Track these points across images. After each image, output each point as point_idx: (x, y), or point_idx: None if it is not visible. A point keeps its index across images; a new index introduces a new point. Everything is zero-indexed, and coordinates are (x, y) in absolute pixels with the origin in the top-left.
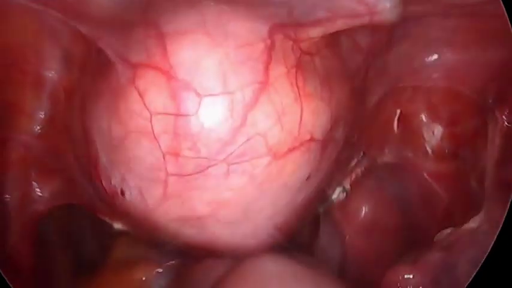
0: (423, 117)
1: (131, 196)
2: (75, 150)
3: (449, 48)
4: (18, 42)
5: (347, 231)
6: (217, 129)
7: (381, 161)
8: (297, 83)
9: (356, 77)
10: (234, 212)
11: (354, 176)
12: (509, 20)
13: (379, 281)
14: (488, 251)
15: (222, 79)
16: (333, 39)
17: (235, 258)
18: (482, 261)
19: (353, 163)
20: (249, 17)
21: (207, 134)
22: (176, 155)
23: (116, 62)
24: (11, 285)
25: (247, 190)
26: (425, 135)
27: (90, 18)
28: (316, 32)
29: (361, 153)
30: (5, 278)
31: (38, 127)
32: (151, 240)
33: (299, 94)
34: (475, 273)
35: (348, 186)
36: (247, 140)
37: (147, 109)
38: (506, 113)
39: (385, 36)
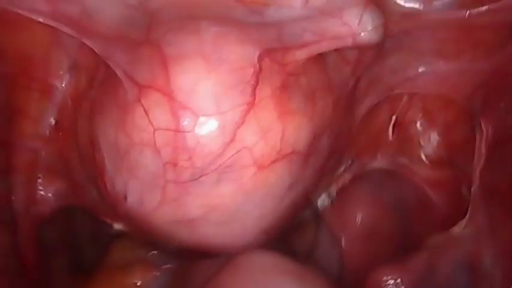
0: (419, 124)
1: (133, 200)
2: (81, 156)
3: (441, 58)
4: (28, 51)
5: (343, 238)
6: (210, 144)
7: (373, 167)
8: (280, 102)
9: (343, 88)
10: (223, 215)
11: (341, 182)
12: None
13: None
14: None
15: (216, 101)
16: (318, 57)
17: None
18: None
19: (340, 170)
20: (241, 41)
21: (201, 148)
22: (174, 165)
23: (123, 80)
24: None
25: (235, 196)
26: (421, 142)
27: (98, 36)
28: (302, 55)
29: (350, 160)
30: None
31: (45, 132)
32: (149, 240)
33: (282, 112)
34: None
35: (333, 193)
36: (236, 153)
37: (151, 125)
38: (491, 123)
39: (372, 51)
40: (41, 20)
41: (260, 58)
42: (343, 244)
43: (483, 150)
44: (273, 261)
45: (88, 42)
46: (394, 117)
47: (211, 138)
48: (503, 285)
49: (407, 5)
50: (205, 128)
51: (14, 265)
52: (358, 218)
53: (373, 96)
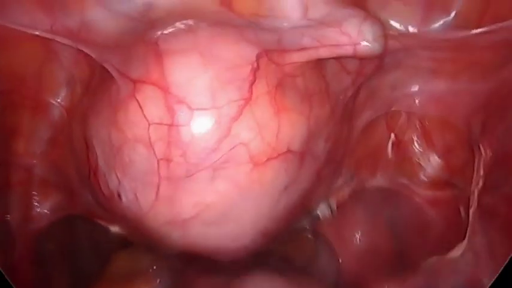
0: (418, 144)
1: (127, 199)
2: (76, 161)
3: (438, 78)
4: (20, 69)
5: (341, 255)
6: (205, 139)
7: (373, 184)
8: (276, 99)
9: (341, 97)
10: (217, 214)
11: (341, 195)
12: None
13: None
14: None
15: (212, 96)
16: (317, 63)
17: (220, 261)
18: None
19: (339, 182)
20: (238, 41)
21: (196, 142)
22: (169, 160)
23: (117, 78)
24: None
25: (230, 194)
26: (421, 162)
27: (96, 45)
28: (300, 58)
29: (350, 175)
30: None
31: (38, 150)
32: (146, 243)
33: (278, 109)
34: None
35: (333, 204)
36: (232, 148)
37: (146, 119)
38: (489, 144)
39: (373, 63)
40: (37, 33)
41: (258, 57)
42: (340, 260)
43: (482, 172)
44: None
45: (85, 50)
46: (392, 135)
47: (206, 132)
48: None
49: (403, 28)
50: (200, 122)
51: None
52: (356, 235)
53: (371, 111)
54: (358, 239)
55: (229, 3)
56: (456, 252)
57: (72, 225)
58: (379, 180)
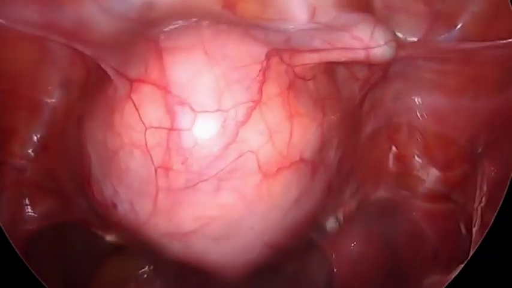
0: (419, 159)
1: (123, 209)
2: (71, 167)
3: (442, 92)
4: (15, 69)
5: (335, 264)
6: (209, 145)
7: (375, 196)
8: (289, 103)
9: (350, 104)
10: (221, 229)
11: (347, 207)
12: None
13: None
14: None
15: (218, 97)
16: (329, 67)
17: (224, 276)
18: None
19: (347, 194)
20: (245, 40)
21: (200, 149)
22: (167, 169)
23: (114, 77)
24: None
25: (236, 208)
26: (421, 176)
27: (92, 44)
28: (311, 59)
29: (356, 186)
30: None
31: (32, 151)
32: (142, 252)
33: (290, 113)
34: None
35: (341, 217)
36: (240, 156)
37: (142, 122)
38: (494, 162)
39: (381, 70)
40: (31, 31)
41: (268, 55)
42: (334, 270)
43: (485, 189)
44: None
45: (80, 48)
46: (394, 148)
47: (210, 138)
48: None
49: (409, 38)
50: (204, 126)
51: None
52: (351, 248)
53: (374, 121)
54: (354, 249)
55: (232, 5)
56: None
57: (64, 231)
58: (381, 192)
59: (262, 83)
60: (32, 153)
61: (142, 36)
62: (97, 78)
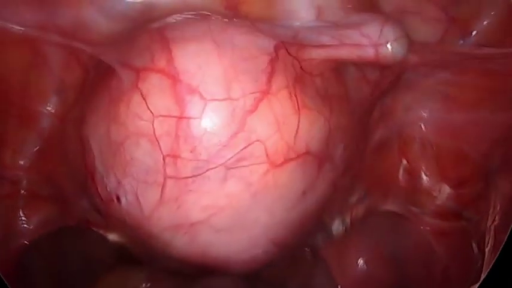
0: (430, 174)
1: (127, 202)
2: (70, 169)
3: (457, 105)
4: (6, 73)
5: (340, 281)
6: (218, 133)
7: (383, 208)
8: (296, 96)
9: (359, 107)
10: (228, 220)
11: (354, 213)
12: None
13: None
14: None
15: (227, 86)
16: (338, 66)
17: (229, 273)
18: None
19: (354, 198)
20: (253, 33)
21: (209, 137)
22: (176, 157)
23: (118, 69)
24: None
25: (243, 197)
26: (432, 192)
27: (91, 42)
28: (318, 55)
29: (364, 192)
30: None
31: (26, 161)
32: (144, 253)
33: (298, 106)
34: None
35: (347, 221)
36: (248, 145)
37: (150, 111)
38: (509, 179)
39: (393, 73)
40: (26, 31)
41: (277, 48)
42: (338, 286)
43: (498, 208)
44: None
45: (79, 47)
46: (404, 161)
47: (220, 126)
48: None
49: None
50: (214, 114)
51: None
52: (356, 263)
53: (384, 130)
54: (360, 266)
55: (235, 5)
56: None
57: (61, 240)
58: (390, 205)
59: (271, 74)
60: (27, 162)
61: (144, 30)
62: (97, 76)
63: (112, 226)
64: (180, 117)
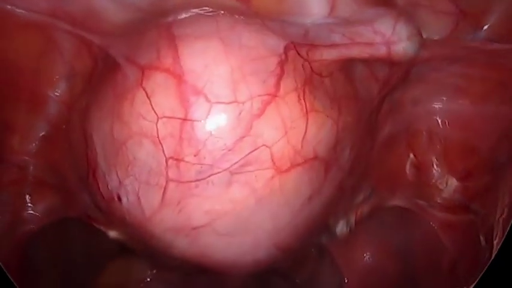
0: (438, 167)
1: (128, 202)
2: (74, 160)
3: (465, 97)
4: (17, 58)
5: (347, 274)
6: (223, 137)
7: (390, 203)
8: (305, 98)
9: (368, 106)
10: (231, 224)
11: (359, 212)
12: None
13: None
14: None
15: (233, 88)
16: (347, 65)
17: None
18: None
19: (360, 198)
20: (263, 31)
21: (213, 141)
22: (179, 160)
23: (123, 65)
24: None
25: (247, 203)
26: (440, 185)
27: (100, 32)
28: (329, 55)
29: (370, 190)
30: None
31: (34, 146)
32: (146, 250)
33: (306, 109)
34: None
35: (352, 221)
36: (254, 150)
37: (154, 112)
38: None
39: (403, 70)
40: (36, 17)
41: (287, 49)
42: (345, 280)
43: (507, 200)
44: None
45: (88, 36)
46: (412, 155)
47: (225, 130)
48: None
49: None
50: (219, 117)
51: None
52: (363, 257)
53: (392, 125)
54: (366, 259)
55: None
56: None
57: (65, 229)
58: (397, 200)
59: (280, 76)
60: (34, 148)
61: (154, 24)
62: (104, 68)
63: (112, 223)
64: (185, 119)
